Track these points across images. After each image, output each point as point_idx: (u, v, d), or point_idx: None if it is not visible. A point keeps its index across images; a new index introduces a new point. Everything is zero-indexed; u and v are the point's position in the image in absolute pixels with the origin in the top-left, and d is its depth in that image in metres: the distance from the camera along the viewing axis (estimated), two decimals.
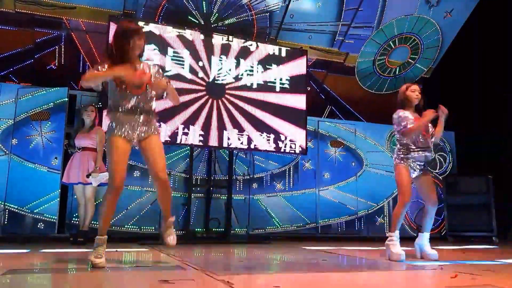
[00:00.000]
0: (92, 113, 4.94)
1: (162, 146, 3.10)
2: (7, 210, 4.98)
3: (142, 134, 3.01)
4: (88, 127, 4.90)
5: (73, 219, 5.13)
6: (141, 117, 3.00)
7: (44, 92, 5.35)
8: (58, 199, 5.13)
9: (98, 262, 2.73)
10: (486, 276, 2.64)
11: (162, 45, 5.50)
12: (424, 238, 3.73)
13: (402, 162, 3.71)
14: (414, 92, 3.81)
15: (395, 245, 3.59)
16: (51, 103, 5.33)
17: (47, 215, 5.08)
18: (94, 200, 4.85)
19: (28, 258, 3.47)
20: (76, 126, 5.10)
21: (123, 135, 2.94)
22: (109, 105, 3.02)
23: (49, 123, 5.30)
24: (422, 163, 3.75)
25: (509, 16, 6.81)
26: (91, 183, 4.65)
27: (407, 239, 6.23)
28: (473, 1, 7.16)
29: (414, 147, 3.71)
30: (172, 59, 5.55)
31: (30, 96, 5.29)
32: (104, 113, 4.87)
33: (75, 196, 4.90)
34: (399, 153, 3.75)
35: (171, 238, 3.13)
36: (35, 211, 5.06)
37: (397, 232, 3.64)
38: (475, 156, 6.98)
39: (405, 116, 3.72)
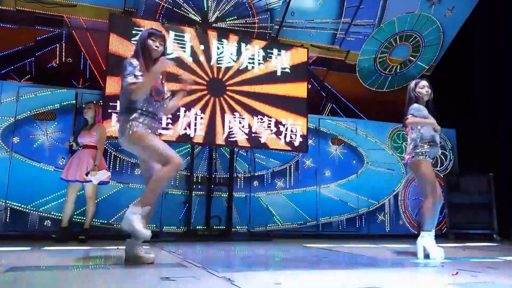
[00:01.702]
0: (89, 110, 4.84)
1: None
2: (8, 208, 5.00)
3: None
4: (90, 125, 4.84)
5: (75, 217, 5.11)
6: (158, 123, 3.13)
7: (49, 92, 5.35)
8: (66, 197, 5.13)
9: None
10: (487, 274, 2.64)
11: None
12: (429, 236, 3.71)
13: (425, 157, 3.63)
14: (423, 89, 3.78)
15: (434, 244, 3.54)
16: (57, 104, 5.34)
17: (54, 214, 5.10)
18: (95, 198, 4.85)
19: (30, 256, 3.47)
20: (82, 123, 5.00)
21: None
22: (140, 109, 2.97)
23: (55, 123, 5.31)
24: (433, 159, 3.75)
25: (509, 14, 6.79)
26: (89, 181, 4.59)
27: (408, 237, 6.26)
28: None
29: (433, 143, 3.67)
30: (173, 51, 5.54)
31: (33, 95, 5.30)
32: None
33: (80, 192, 4.80)
34: (420, 148, 3.65)
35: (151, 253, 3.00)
36: (40, 209, 5.08)
37: (433, 231, 3.59)
38: (476, 155, 6.97)
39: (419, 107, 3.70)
